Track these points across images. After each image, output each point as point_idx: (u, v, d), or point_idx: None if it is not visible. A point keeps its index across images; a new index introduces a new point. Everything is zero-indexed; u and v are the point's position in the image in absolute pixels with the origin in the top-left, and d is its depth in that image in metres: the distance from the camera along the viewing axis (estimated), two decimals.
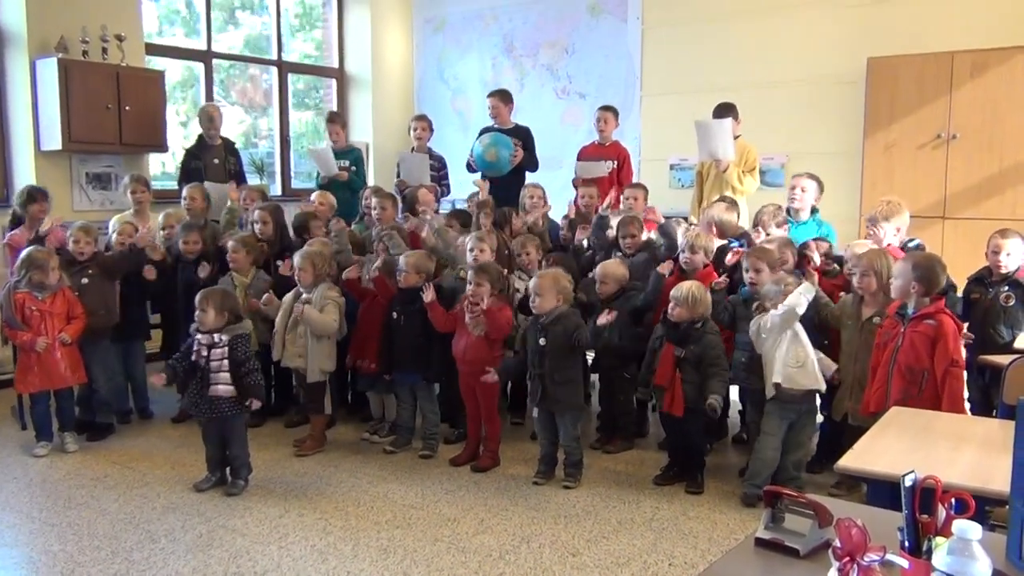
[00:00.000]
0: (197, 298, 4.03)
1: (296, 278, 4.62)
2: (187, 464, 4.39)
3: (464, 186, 6.56)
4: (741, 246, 4.70)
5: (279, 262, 4.94)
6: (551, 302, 4.05)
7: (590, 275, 4.59)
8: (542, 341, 4.05)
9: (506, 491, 4.06)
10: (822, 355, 3.85)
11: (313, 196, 5.78)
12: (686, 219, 5.38)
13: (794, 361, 3.75)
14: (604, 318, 4.19)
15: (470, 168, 6.43)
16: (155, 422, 5.20)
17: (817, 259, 4.32)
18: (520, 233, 5.08)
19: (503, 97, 6.46)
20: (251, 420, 4.69)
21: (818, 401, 3.99)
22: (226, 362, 3.94)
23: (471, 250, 4.63)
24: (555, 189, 6.06)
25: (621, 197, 5.46)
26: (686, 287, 4.00)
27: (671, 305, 4.00)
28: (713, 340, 3.95)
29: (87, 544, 3.47)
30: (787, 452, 3.88)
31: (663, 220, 4.90)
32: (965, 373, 3.51)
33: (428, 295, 4.36)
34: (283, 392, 5.27)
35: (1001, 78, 5.68)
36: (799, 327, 3.76)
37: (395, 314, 4.55)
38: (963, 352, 3.55)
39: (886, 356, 3.53)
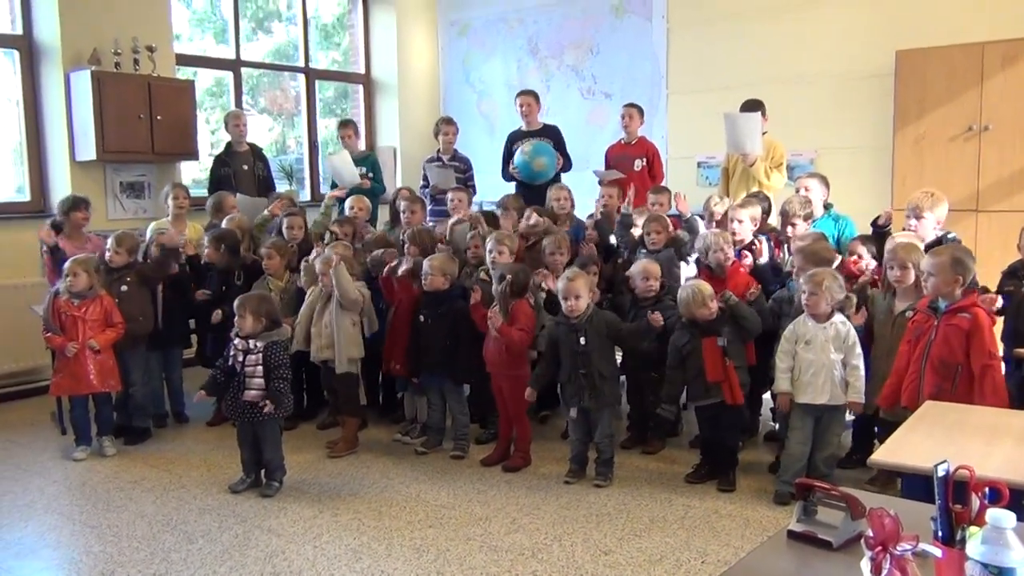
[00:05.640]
0: (235, 304, 4.10)
1: (321, 281, 4.65)
2: (222, 466, 4.46)
3: (490, 189, 6.59)
4: (767, 240, 4.69)
5: (304, 261, 4.99)
6: (586, 301, 4.06)
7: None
8: (583, 341, 4.05)
9: (537, 490, 4.07)
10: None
11: (349, 200, 5.81)
12: (721, 198, 5.32)
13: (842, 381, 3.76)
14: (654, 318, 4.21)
15: (510, 178, 6.43)
16: (190, 426, 5.27)
17: (869, 262, 4.28)
18: (551, 232, 5.09)
19: (536, 96, 6.53)
20: (284, 423, 4.76)
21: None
22: (260, 368, 4.00)
23: (490, 251, 4.66)
24: (582, 189, 6.06)
25: (648, 202, 5.43)
26: (684, 295, 4.02)
27: (702, 313, 3.99)
28: (740, 309, 4.01)
29: (126, 545, 3.53)
30: (816, 450, 3.85)
31: (689, 214, 4.89)
32: (1003, 365, 3.46)
33: (475, 296, 4.39)
34: (315, 395, 5.32)
35: None
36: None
37: (422, 317, 4.58)
38: (999, 345, 3.51)
39: (919, 351, 3.48)
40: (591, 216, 5.41)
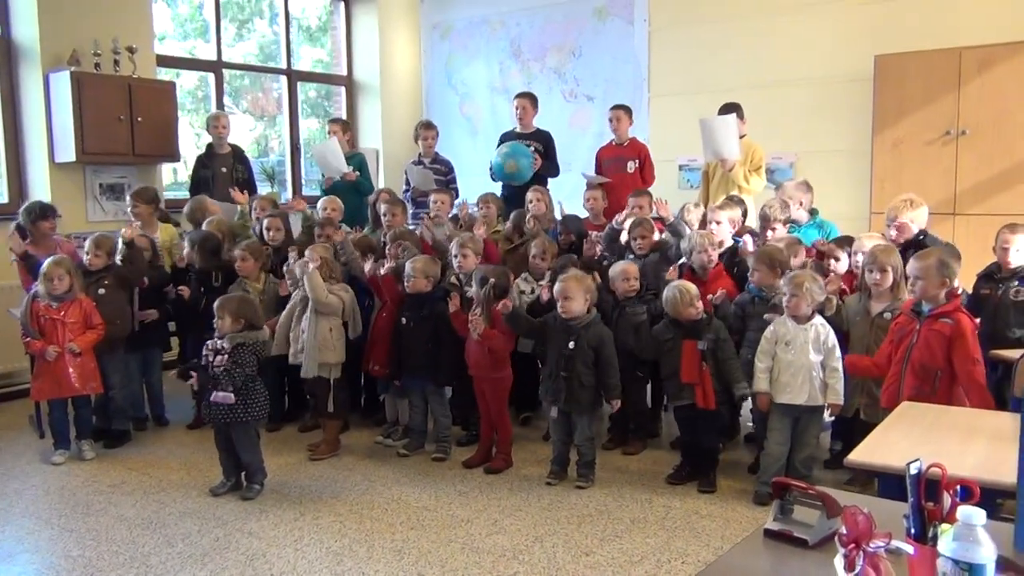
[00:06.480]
0: (215, 306, 4.08)
1: (301, 285, 4.62)
2: (202, 469, 4.43)
3: (473, 191, 6.58)
4: (740, 244, 4.73)
5: (286, 266, 4.96)
6: (580, 305, 4.06)
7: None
8: (572, 345, 4.05)
9: (519, 492, 4.08)
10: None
11: (321, 202, 5.79)
12: (696, 205, 5.35)
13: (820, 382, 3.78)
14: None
15: (495, 178, 6.44)
16: (170, 429, 5.24)
17: (845, 263, 4.30)
18: (537, 235, 5.10)
19: (532, 100, 6.48)
20: (269, 425, 4.79)
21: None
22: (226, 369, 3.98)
23: (455, 255, 4.66)
24: (563, 192, 6.07)
25: (628, 205, 5.42)
26: (670, 295, 4.03)
27: (689, 313, 4.00)
28: (719, 325, 4.03)
29: (105, 549, 3.51)
30: (794, 451, 3.88)
31: (672, 218, 4.92)
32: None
33: (453, 304, 4.38)
34: (297, 397, 5.30)
35: (1010, 73, 5.66)
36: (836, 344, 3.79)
37: (404, 319, 4.57)
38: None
39: (900, 353, 3.50)
40: (561, 221, 5.43)
